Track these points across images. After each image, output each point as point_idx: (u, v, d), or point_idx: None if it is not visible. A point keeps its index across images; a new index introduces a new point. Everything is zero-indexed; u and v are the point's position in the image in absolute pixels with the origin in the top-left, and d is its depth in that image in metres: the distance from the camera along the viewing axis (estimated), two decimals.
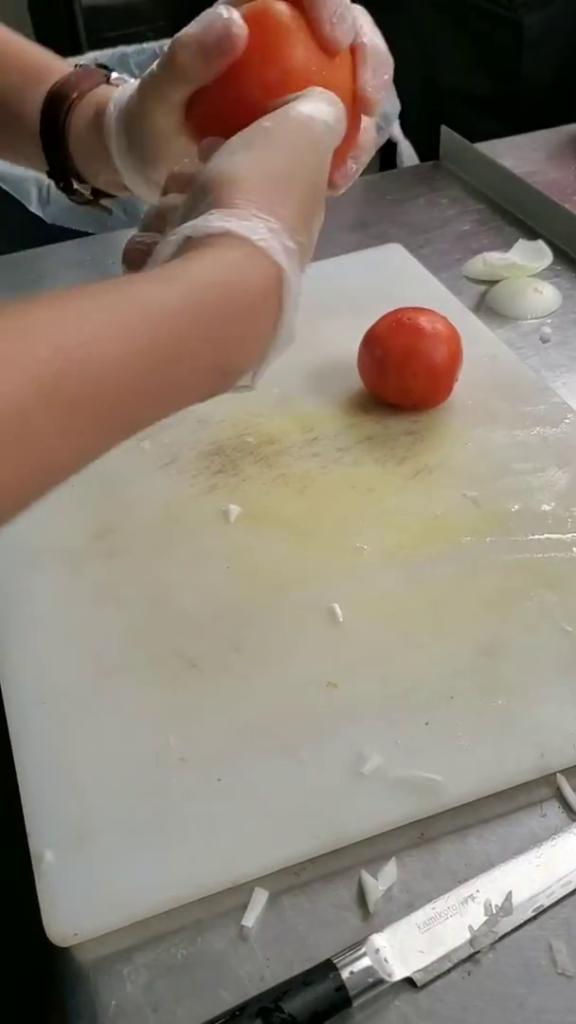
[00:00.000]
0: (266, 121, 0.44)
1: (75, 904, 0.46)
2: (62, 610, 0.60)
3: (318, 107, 0.45)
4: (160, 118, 0.51)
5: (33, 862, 0.47)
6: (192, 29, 0.48)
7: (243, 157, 0.43)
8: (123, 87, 0.55)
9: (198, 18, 0.48)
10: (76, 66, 0.57)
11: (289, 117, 0.44)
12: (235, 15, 0.47)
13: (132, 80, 0.55)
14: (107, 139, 0.54)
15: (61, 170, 0.57)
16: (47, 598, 0.60)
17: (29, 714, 0.54)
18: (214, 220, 0.41)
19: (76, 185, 0.59)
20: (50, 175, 0.58)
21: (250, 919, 0.45)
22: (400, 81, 1.21)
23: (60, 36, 1.75)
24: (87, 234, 1.04)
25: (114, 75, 0.56)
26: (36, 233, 1.05)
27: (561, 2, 1.33)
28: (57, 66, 0.57)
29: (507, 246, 0.92)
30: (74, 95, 0.55)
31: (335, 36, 0.47)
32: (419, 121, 1.23)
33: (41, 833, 0.48)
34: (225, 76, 0.48)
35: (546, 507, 0.63)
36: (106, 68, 0.57)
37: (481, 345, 0.76)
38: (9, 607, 0.60)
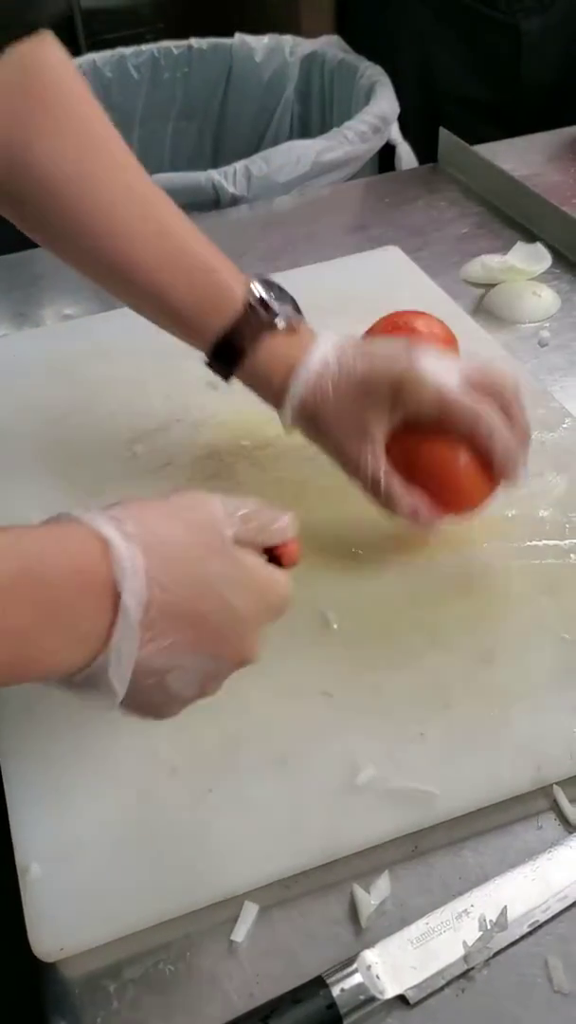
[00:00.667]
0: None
1: (61, 918, 0.45)
2: None
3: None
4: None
5: (19, 875, 0.46)
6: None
7: None
8: (296, 379, 0.58)
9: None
10: (247, 303, 0.59)
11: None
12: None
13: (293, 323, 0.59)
14: (283, 419, 0.60)
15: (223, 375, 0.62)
16: None
17: (16, 722, 0.53)
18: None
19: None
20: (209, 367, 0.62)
21: (240, 934, 0.44)
22: (399, 84, 1.21)
23: (59, 36, 1.74)
24: None
25: (279, 325, 0.59)
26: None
27: (559, 7, 1.32)
28: (228, 292, 0.59)
29: (505, 249, 0.91)
30: (245, 347, 0.59)
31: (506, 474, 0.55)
32: (418, 124, 1.23)
33: (27, 845, 0.47)
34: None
35: (543, 513, 0.62)
36: (268, 308, 0.59)
37: (478, 348, 0.76)
38: None
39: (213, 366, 0.61)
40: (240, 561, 0.42)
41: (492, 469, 0.55)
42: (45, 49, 0.59)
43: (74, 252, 0.62)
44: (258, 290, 0.59)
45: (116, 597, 0.38)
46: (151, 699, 0.42)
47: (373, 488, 0.56)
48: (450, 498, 0.57)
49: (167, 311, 0.61)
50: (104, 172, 0.59)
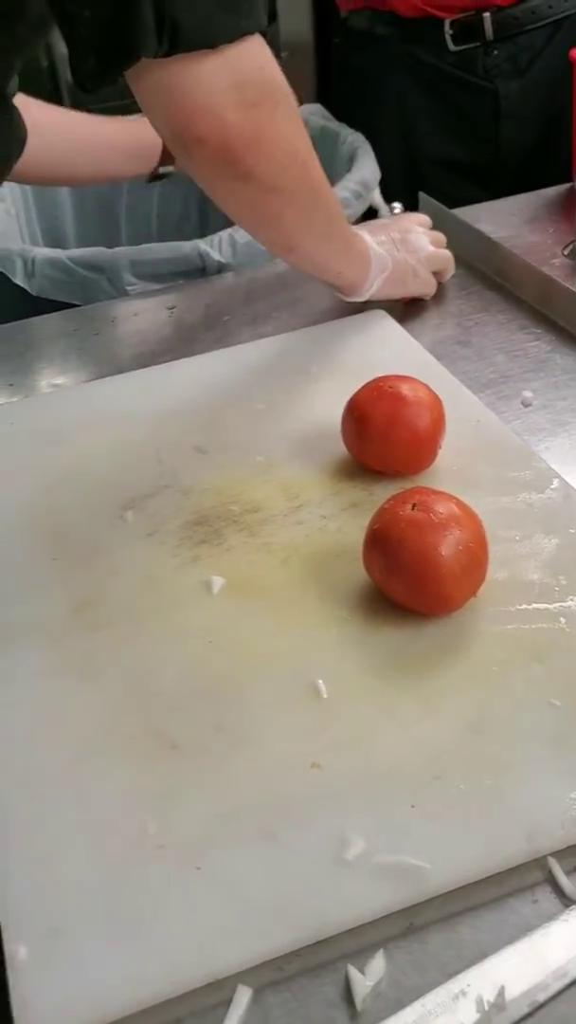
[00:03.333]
0: None
1: (49, 1003, 0.44)
2: (40, 688, 0.58)
3: None
4: None
5: (7, 959, 0.45)
6: None
7: None
8: None
9: None
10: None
11: None
12: None
13: None
14: None
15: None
16: (25, 675, 0.59)
17: (5, 799, 0.52)
18: None
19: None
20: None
21: (233, 1019, 0.43)
22: (380, 149, 1.24)
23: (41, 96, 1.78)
24: (72, 305, 1.04)
25: None
26: (21, 305, 1.06)
27: (536, 70, 1.36)
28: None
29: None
30: None
31: None
32: (399, 188, 1.25)
33: (15, 927, 0.46)
34: None
35: (533, 576, 0.62)
36: None
37: (465, 410, 0.76)
38: None
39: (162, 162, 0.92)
40: None
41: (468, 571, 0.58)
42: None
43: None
44: None
45: None
46: None
47: None
48: (426, 596, 0.59)
49: (115, 147, 0.95)
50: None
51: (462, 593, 0.58)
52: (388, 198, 1.21)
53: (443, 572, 0.56)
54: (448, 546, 0.56)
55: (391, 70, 1.38)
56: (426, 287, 0.93)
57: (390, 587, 0.60)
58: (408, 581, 0.58)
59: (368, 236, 0.87)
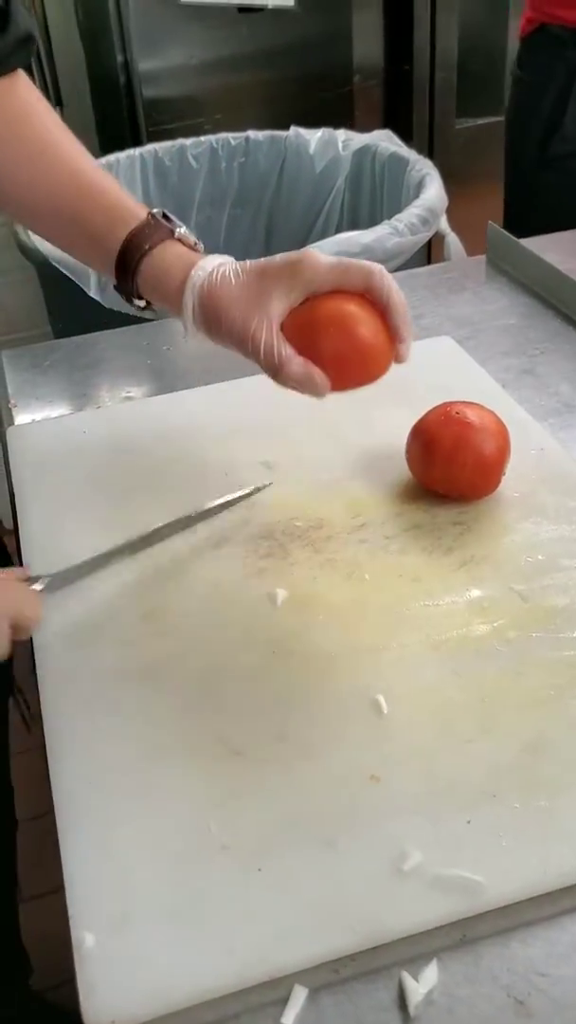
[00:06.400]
0: None
1: (113, 990, 0.46)
2: (111, 690, 0.60)
3: None
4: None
5: (74, 946, 0.47)
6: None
7: None
8: (197, 270, 0.63)
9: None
10: (150, 213, 0.67)
11: None
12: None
13: (192, 243, 0.67)
14: (183, 311, 0.64)
15: (128, 292, 0.68)
16: (97, 677, 0.61)
17: (75, 794, 0.54)
18: None
19: (137, 301, 0.69)
20: (117, 290, 0.69)
21: (289, 1017, 0.45)
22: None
23: (122, 126, 1.83)
24: (144, 320, 1.07)
25: (178, 231, 0.66)
26: (95, 317, 1.09)
27: None
28: (134, 212, 0.67)
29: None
30: (146, 246, 0.65)
31: (401, 348, 0.62)
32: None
33: (83, 916, 0.49)
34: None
35: None
36: (169, 220, 0.67)
37: (529, 438, 0.78)
38: (59, 685, 0.61)
39: (119, 283, 0.67)
40: None
41: (386, 335, 0.60)
42: (17, 82, 0.71)
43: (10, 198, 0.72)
44: (161, 211, 0.67)
45: None
46: None
47: (266, 357, 0.61)
48: (347, 365, 0.60)
49: (83, 232, 0.69)
50: (44, 157, 0.70)
51: (375, 360, 0.62)
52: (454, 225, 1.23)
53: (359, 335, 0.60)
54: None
55: None
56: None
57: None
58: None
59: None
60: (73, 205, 0.69)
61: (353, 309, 0.61)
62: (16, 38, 0.69)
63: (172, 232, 0.66)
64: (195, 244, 0.67)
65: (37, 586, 0.64)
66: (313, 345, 0.60)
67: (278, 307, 0.61)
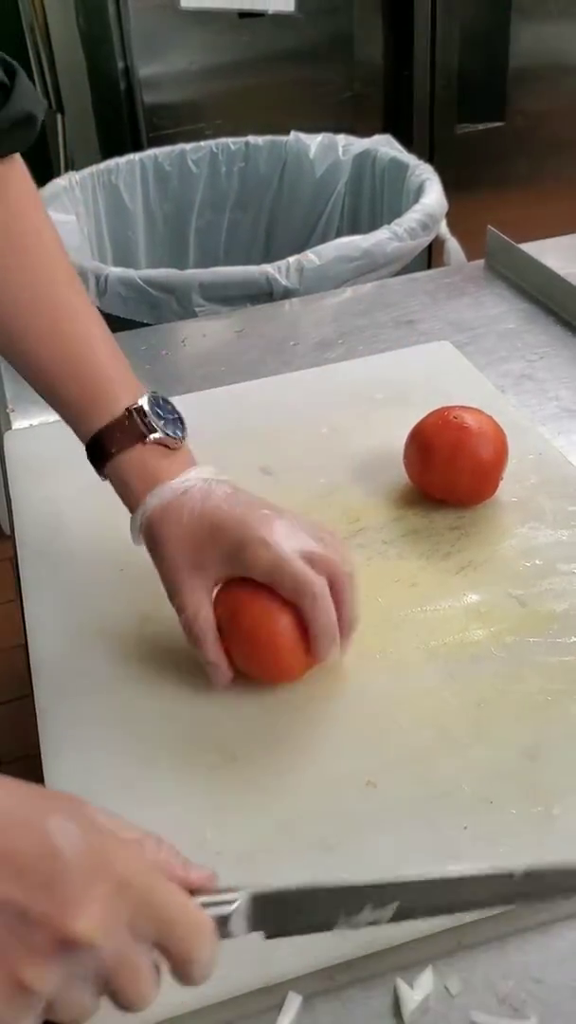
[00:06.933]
0: None
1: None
2: (106, 696, 0.60)
3: None
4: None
5: None
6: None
7: None
8: (152, 497, 0.60)
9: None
10: (127, 410, 0.61)
11: None
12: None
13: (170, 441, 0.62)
14: (131, 530, 0.62)
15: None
16: (92, 684, 0.61)
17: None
18: None
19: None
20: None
21: None
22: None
23: (122, 132, 1.83)
24: (143, 324, 1.07)
25: (151, 437, 0.61)
26: None
27: None
28: (113, 394, 0.62)
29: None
30: (112, 450, 0.61)
31: (320, 650, 0.57)
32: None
33: None
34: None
35: None
36: (144, 419, 0.61)
37: (528, 443, 0.77)
38: (54, 693, 0.61)
39: (90, 460, 0.63)
40: (92, 818, 0.39)
41: (308, 643, 0.56)
42: (13, 171, 0.65)
43: None
44: (143, 403, 0.61)
45: None
46: None
47: (187, 626, 0.58)
48: (264, 663, 0.58)
49: (57, 402, 0.64)
50: (35, 287, 0.64)
51: (293, 664, 0.58)
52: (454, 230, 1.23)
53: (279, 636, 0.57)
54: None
55: None
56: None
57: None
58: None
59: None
60: (49, 362, 0.64)
61: (276, 612, 0.56)
62: (12, 119, 0.62)
63: (144, 437, 0.61)
64: (172, 443, 0.61)
65: (225, 903, 0.40)
66: (231, 628, 0.58)
67: (212, 575, 0.58)
